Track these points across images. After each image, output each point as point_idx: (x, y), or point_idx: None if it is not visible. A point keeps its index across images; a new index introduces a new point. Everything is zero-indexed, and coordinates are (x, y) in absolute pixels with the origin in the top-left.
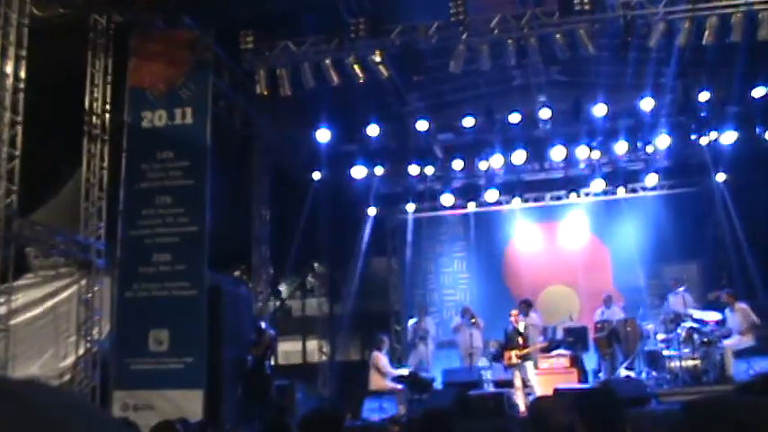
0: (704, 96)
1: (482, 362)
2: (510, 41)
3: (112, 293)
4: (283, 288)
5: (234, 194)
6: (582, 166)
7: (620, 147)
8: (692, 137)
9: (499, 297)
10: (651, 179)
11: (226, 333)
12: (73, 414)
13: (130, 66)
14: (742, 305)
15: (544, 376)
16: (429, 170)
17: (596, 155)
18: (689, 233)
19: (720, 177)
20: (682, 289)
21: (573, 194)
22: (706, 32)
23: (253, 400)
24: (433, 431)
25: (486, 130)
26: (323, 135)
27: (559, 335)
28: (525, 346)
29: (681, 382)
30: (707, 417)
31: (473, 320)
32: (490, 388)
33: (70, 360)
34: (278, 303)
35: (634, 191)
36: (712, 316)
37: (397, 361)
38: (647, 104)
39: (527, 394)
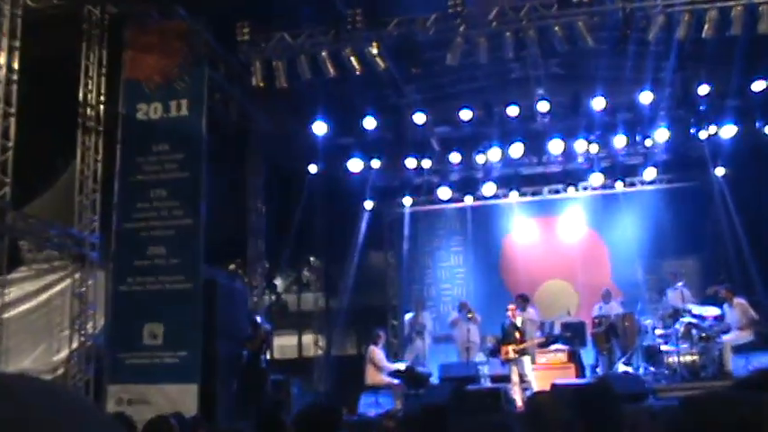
0: (703, 90)
1: (479, 357)
2: (508, 34)
3: (107, 287)
4: (279, 282)
5: (229, 187)
6: (580, 159)
7: (619, 140)
8: (692, 131)
9: (496, 291)
10: (650, 173)
11: (221, 327)
12: (64, 408)
13: (125, 57)
14: (740, 300)
15: (541, 371)
16: (426, 163)
17: (594, 149)
18: (687, 228)
19: (719, 172)
20: (680, 284)
21: (571, 188)
22: (706, 26)
23: (248, 395)
24: (430, 426)
25: (483, 124)
26: (319, 127)
27: (557, 330)
28: (522, 340)
29: (679, 377)
30: (706, 413)
31: (470, 315)
32: (487, 383)
33: (64, 354)
34: (273, 297)
35: (632, 185)
36: (711, 311)
37: (393, 356)
38: (645, 98)
39: (524, 389)
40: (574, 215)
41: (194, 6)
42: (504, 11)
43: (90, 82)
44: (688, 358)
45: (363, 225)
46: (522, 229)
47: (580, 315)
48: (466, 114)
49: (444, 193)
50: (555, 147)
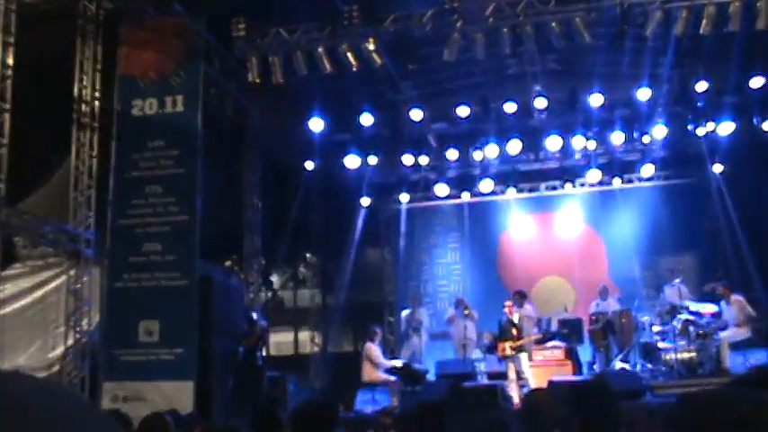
0: (701, 86)
1: (476, 353)
2: (505, 30)
3: (102, 283)
4: (275, 279)
5: (225, 184)
6: (577, 156)
7: (616, 137)
8: (689, 127)
9: (493, 288)
10: (647, 170)
11: (217, 324)
12: (60, 406)
13: (121, 53)
14: (738, 297)
15: (538, 368)
16: (423, 160)
17: (592, 145)
18: (685, 224)
19: (717, 168)
20: (677, 281)
21: (568, 185)
22: (703, 21)
23: (244, 392)
24: (427, 423)
25: (480, 120)
26: (316, 124)
27: (554, 326)
28: (519, 337)
29: (676, 374)
30: (704, 410)
31: (467, 312)
32: (484, 380)
33: (59, 351)
34: (270, 294)
35: (630, 181)
36: (708, 308)
37: (390, 352)
38: (643, 94)
39: (521, 386)
40: (571, 212)
41: (190, 2)
42: (500, 6)
43: (85, 78)
44: (685, 355)
45: (360, 221)
46: (520, 226)
47: (577, 312)
48: (463, 111)
49: (441, 189)
50: (552, 143)
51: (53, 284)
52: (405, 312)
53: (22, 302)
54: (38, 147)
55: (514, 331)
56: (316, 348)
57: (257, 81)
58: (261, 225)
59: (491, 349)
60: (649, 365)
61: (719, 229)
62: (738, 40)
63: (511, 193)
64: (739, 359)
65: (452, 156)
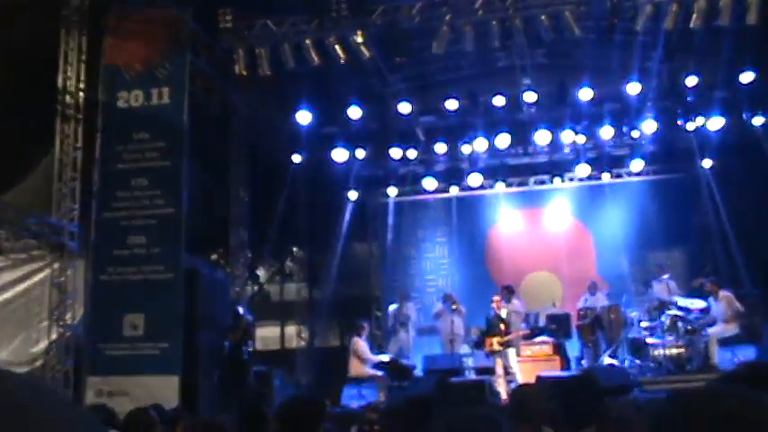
0: (691, 81)
1: (463, 349)
2: (494, 22)
3: (86, 277)
4: (261, 272)
5: (211, 176)
6: (566, 150)
7: (606, 131)
8: (679, 122)
9: (481, 283)
10: (636, 165)
11: (202, 318)
12: (55, 406)
13: (106, 44)
14: (726, 293)
15: (526, 363)
16: (411, 153)
17: (581, 139)
18: (674, 219)
19: (707, 163)
20: (666, 276)
21: (557, 179)
22: (694, 16)
23: (230, 387)
24: (414, 419)
25: (469, 113)
26: (303, 117)
27: (542, 322)
28: (507, 332)
29: (664, 370)
30: (692, 406)
31: (454, 307)
32: (471, 375)
33: (42, 345)
34: (256, 288)
35: (619, 176)
36: (697, 304)
37: (377, 347)
38: (633, 89)
39: (509, 382)
40: (560, 206)
41: None
42: None
43: (69, 69)
44: (674, 351)
45: (347, 215)
46: (508, 220)
47: (565, 307)
48: (451, 104)
49: (429, 183)
50: (541, 137)
51: (36, 278)
52: (392, 307)
53: (5, 296)
54: (21, 138)
55: (502, 326)
56: (302, 343)
57: (244, 73)
58: (247, 218)
59: (479, 344)
60: (637, 361)
61: (708, 225)
62: (728, 35)
63: (499, 187)
64: (727, 355)
65: (441, 149)
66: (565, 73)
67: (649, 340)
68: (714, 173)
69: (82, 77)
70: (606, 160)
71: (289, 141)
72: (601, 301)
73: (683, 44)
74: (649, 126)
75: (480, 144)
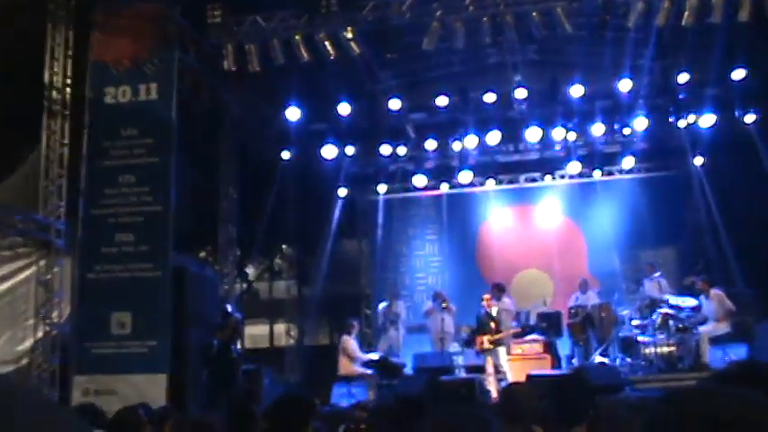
0: (683, 78)
1: (453, 347)
2: (485, 19)
3: (73, 274)
4: (250, 270)
5: (200, 173)
6: (557, 147)
7: (597, 129)
8: (670, 119)
9: (472, 281)
10: (628, 162)
11: (191, 316)
12: (22, 403)
13: (93, 40)
14: (717, 292)
15: (517, 362)
16: (401, 150)
17: (572, 137)
18: (665, 217)
19: (698, 161)
20: (657, 274)
21: (548, 177)
22: (686, 13)
23: (218, 385)
24: (404, 417)
25: (460, 110)
26: (292, 113)
27: (533, 320)
28: (498, 331)
29: (656, 368)
30: (684, 406)
31: (445, 305)
32: (462, 373)
33: (28, 343)
34: (245, 286)
35: (610, 174)
36: (688, 302)
37: (366, 345)
38: (624, 86)
39: (499, 380)
40: (551, 204)
41: None
42: None
43: (56, 64)
44: (665, 349)
45: (337, 212)
46: (499, 218)
47: (556, 305)
48: (442, 101)
49: (420, 180)
50: (532, 134)
51: (22, 275)
52: (382, 305)
53: None
54: (7, 135)
55: (493, 325)
56: (291, 341)
57: (233, 69)
58: (236, 215)
59: (469, 343)
60: (629, 359)
61: (700, 222)
62: (720, 32)
63: (490, 184)
64: (719, 354)
65: (431, 146)
66: (556, 70)
67: (640, 338)
68: (706, 170)
69: (69, 73)
70: (597, 157)
71: (278, 138)
72: (592, 299)
73: (674, 41)
74: (641, 123)
75: (471, 141)
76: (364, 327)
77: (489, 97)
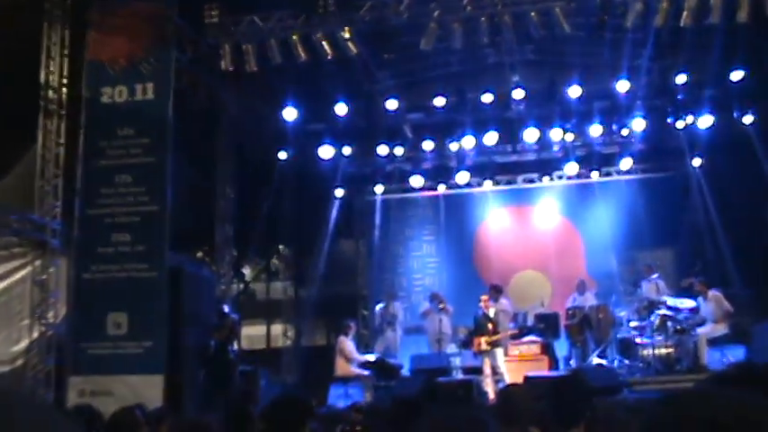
0: (681, 79)
1: (451, 348)
2: (483, 19)
3: (69, 275)
4: (247, 270)
5: (197, 173)
6: (555, 148)
7: (595, 129)
8: (668, 120)
9: (469, 282)
10: (626, 163)
11: (187, 316)
12: (17, 404)
13: (89, 39)
14: (715, 293)
15: (514, 363)
16: (398, 151)
17: (570, 137)
18: (663, 218)
19: (696, 162)
20: (655, 276)
21: (546, 177)
22: (684, 13)
23: (215, 386)
24: (401, 419)
25: (457, 110)
26: (289, 113)
27: (530, 321)
28: (495, 332)
29: (653, 370)
30: (684, 409)
31: (442, 306)
32: (459, 375)
33: (23, 344)
34: (241, 286)
35: (608, 175)
36: (686, 303)
37: (363, 347)
38: (622, 86)
39: (496, 381)
40: (548, 205)
41: None
42: None
43: (52, 63)
44: (663, 351)
45: (334, 213)
46: (496, 219)
47: (554, 306)
48: (439, 101)
49: (417, 181)
50: (530, 135)
51: (18, 275)
52: (379, 306)
53: None
54: (3, 134)
55: (490, 326)
56: (288, 342)
57: (230, 69)
58: (233, 215)
59: (466, 344)
60: (626, 361)
61: (698, 224)
62: (718, 33)
63: (487, 185)
64: (717, 355)
65: (428, 147)
66: (554, 70)
67: (638, 340)
68: (704, 171)
69: (65, 72)
70: (595, 158)
71: (275, 138)
72: (589, 300)
73: (673, 42)
74: (639, 124)
75: (468, 142)
76: (361, 328)
77: (487, 98)
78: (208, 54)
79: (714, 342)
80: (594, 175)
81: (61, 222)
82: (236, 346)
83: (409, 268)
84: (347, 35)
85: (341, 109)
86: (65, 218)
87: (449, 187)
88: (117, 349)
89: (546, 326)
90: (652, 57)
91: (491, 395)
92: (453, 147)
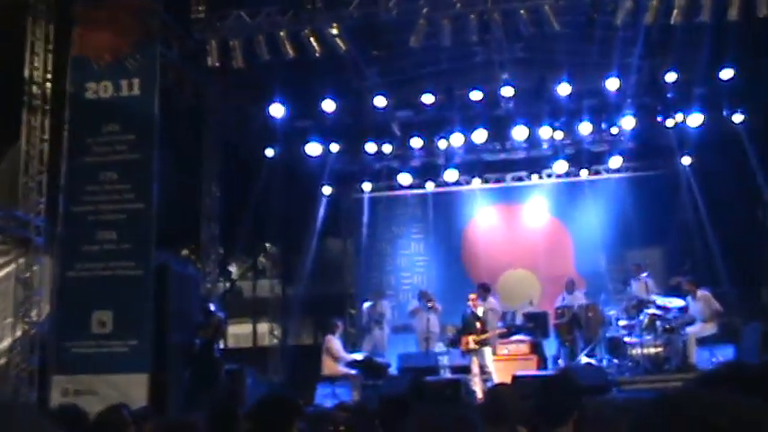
0: (671, 77)
1: (439, 347)
2: (472, 16)
3: (53, 272)
4: (233, 268)
5: (183, 170)
6: (544, 146)
7: (584, 127)
8: (658, 118)
9: (457, 280)
10: (615, 161)
11: (172, 315)
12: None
13: (74, 34)
14: (704, 292)
15: (503, 362)
16: (386, 148)
17: (559, 135)
18: (653, 217)
19: (686, 160)
20: (644, 275)
21: (535, 176)
22: (674, 11)
23: (200, 385)
24: (389, 418)
25: (446, 108)
26: (277, 110)
27: (519, 320)
28: (483, 331)
29: (642, 369)
30: (674, 410)
31: (430, 304)
32: (447, 374)
33: (6, 343)
34: (228, 284)
35: (597, 173)
36: (675, 302)
37: (351, 345)
38: (612, 84)
39: (485, 381)
40: (537, 203)
41: None
42: None
43: (36, 59)
44: (652, 350)
45: (321, 211)
46: (485, 217)
47: (543, 305)
48: (428, 98)
49: (405, 178)
50: (519, 133)
51: (1, 273)
52: (366, 304)
53: None
54: None
55: (478, 325)
56: (275, 341)
57: (217, 65)
58: (219, 213)
59: (454, 343)
60: (615, 360)
61: (687, 222)
62: (708, 31)
63: (476, 183)
64: (706, 354)
65: (416, 144)
66: (543, 68)
67: (627, 339)
68: (693, 170)
69: (49, 68)
70: (585, 157)
71: (262, 135)
72: (578, 299)
73: (663, 40)
74: (628, 122)
75: (457, 139)
76: (348, 326)
77: (476, 95)
78: (194, 50)
79: (703, 341)
80: (584, 174)
81: (45, 220)
82: (221, 345)
83: (397, 266)
84: (335, 31)
85: (329, 106)
86: (49, 215)
87: (437, 185)
88: (101, 348)
89: (535, 325)
90: (642, 55)
91: (479, 394)
92: (442, 144)
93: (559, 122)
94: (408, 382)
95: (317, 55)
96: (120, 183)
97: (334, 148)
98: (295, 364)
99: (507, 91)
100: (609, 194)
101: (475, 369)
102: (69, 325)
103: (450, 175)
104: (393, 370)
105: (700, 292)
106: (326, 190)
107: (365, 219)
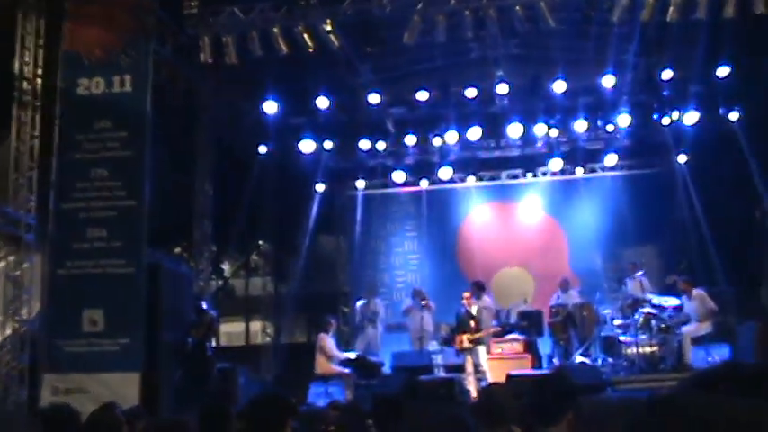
0: (667, 75)
1: (433, 346)
2: (467, 12)
3: (43, 270)
4: (226, 266)
5: (175, 167)
6: (539, 144)
7: (580, 125)
8: (654, 116)
9: (452, 279)
10: (610, 159)
11: (165, 313)
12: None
13: (65, 29)
14: (699, 292)
15: (497, 361)
16: (380, 145)
17: (554, 133)
18: (648, 215)
19: (682, 159)
20: (640, 273)
21: (529, 174)
22: (670, 8)
23: (193, 384)
24: (382, 417)
25: (440, 105)
26: (270, 107)
27: (513, 319)
28: (478, 329)
29: (637, 369)
30: (670, 410)
31: (424, 303)
32: (441, 373)
33: None
34: (220, 282)
35: (593, 171)
36: (671, 301)
37: (344, 344)
38: (607, 82)
39: (479, 380)
40: (532, 201)
41: None
42: None
43: (26, 54)
44: (647, 349)
45: (315, 208)
46: (479, 215)
47: (537, 304)
48: (422, 95)
49: (399, 176)
50: (514, 130)
51: None
52: (360, 303)
53: None
54: None
55: (472, 323)
56: (268, 339)
57: (210, 62)
58: (212, 211)
59: (448, 341)
60: (610, 359)
61: (683, 221)
62: (705, 28)
63: (471, 181)
64: (701, 354)
65: (411, 141)
66: (539, 65)
67: (622, 338)
68: (689, 168)
69: (40, 63)
70: (580, 154)
71: (255, 132)
72: (573, 298)
73: (659, 37)
74: (624, 120)
75: (451, 137)
76: (342, 325)
77: (470, 92)
78: (187, 46)
79: (698, 341)
80: (579, 172)
81: (36, 217)
82: (214, 343)
83: (391, 264)
84: (329, 28)
85: (322, 103)
86: (40, 212)
87: (431, 183)
88: (92, 346)
89: (529, 323)
90: (638, 52)
91: (473, 393)
92: (436, 142)
93: (554, 120)
94: (402, 381)
95: (311, 51)
96: (112, 180)
97: (328, 145)
98: (288, 362)
99: (502, 88)
100: (604, 192)
101: (469, 368)
102: (60, 323)
103: (445, 172)
104: (386, 369)
105: (695, 292)
106: (320, 187)
107: (359, 216)
